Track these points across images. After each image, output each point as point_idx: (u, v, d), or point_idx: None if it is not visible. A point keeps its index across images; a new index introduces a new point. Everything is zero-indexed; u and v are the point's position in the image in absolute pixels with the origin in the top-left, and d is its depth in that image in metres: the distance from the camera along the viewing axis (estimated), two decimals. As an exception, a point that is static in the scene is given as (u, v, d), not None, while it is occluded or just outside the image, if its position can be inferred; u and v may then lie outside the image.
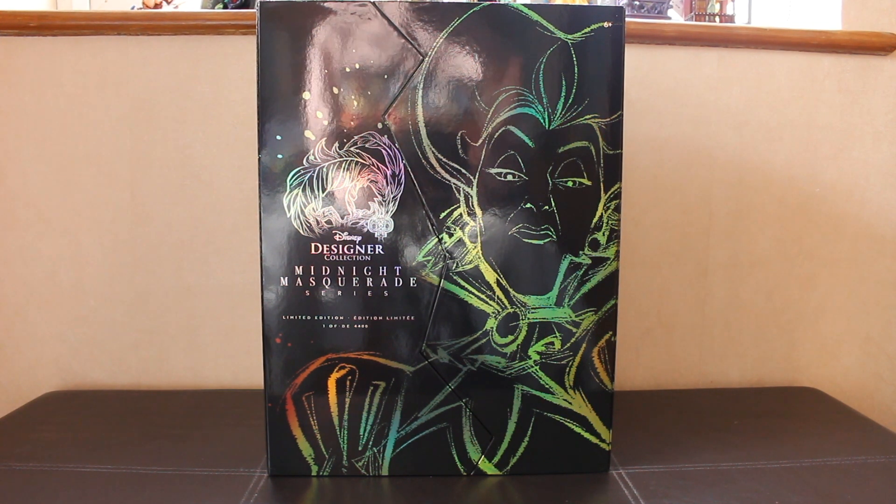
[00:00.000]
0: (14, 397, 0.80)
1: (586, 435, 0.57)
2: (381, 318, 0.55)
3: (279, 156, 0.53)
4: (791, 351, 0.86)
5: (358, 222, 0.54)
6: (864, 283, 0.86)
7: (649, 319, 0.84)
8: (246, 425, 0.67)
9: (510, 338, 0.56)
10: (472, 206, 0.54)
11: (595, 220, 0.55)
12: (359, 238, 0.54)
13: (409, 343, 0.55)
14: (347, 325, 0.55)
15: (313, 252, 0.54)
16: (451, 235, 0.54)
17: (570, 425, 0.57)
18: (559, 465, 0.57)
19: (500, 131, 0.54)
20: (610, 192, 0.55)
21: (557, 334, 0.56)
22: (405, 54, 0.53)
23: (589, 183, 0.55)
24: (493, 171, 0.54)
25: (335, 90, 0.53)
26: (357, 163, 0.53)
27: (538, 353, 0.56)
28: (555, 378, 0.56)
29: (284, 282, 0.54)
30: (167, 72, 0.77)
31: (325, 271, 0.54)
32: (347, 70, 0.53)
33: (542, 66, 0.53)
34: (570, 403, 0.57)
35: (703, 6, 3.64)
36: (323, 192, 0.53)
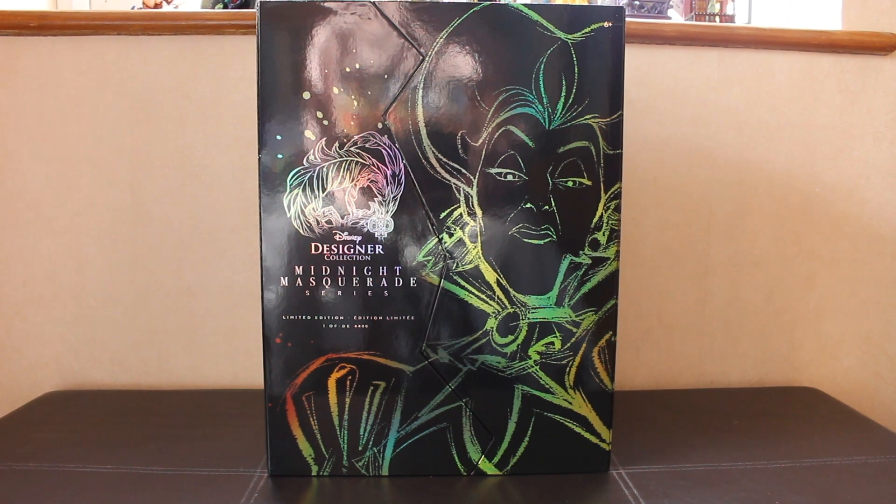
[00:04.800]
0: (14, 397, 0.80)
1: (586, 435, 0.57)
2: (381, 318, 0.55)
3: (279, 156, 0.53)
4: (791, 351, 0.86)
5: (358, 222, 0.54)
6: (864, 283, 0.86)
7: (649, 319, 0.84)
8: (246, 425, 0.67)
9: (510, 338, 0.56)
10: (472, 206, 0.54)
11: (595, 220, 0.55)
12: (359, 238, 0.54)
13: (409, 343, 0.55)
14: (347, 325, 0.55)
15: (313, 252, 0.54)
16: (451, 235, 0.54)
17: (570, 425, 0.57)
18: (559, 465, 0.57)
19: (500, 131, 0.54)
20: (610, 192, 0.55)
21: (557, 334, 0.56)
22: (405, 54, 0.53)
23: (589, 183, 0.55)
24: (493, 171, 0.54)
25: (335, 90, 0.53)
26: (357, 163, 0.53)
27: (538, 353, 0.56)
28: (555, 378, 0.56)
29: (284, 282, 0.54)
30: (167, 72, 0.77)
31: (325, 271, 0.54)
32: (347, 70, 0.53)
33: (542, 66, 0.53)
34: (570, 403, 0.57)
35: (703, 6, 3.64)
36: (323, 192, 0.53)
